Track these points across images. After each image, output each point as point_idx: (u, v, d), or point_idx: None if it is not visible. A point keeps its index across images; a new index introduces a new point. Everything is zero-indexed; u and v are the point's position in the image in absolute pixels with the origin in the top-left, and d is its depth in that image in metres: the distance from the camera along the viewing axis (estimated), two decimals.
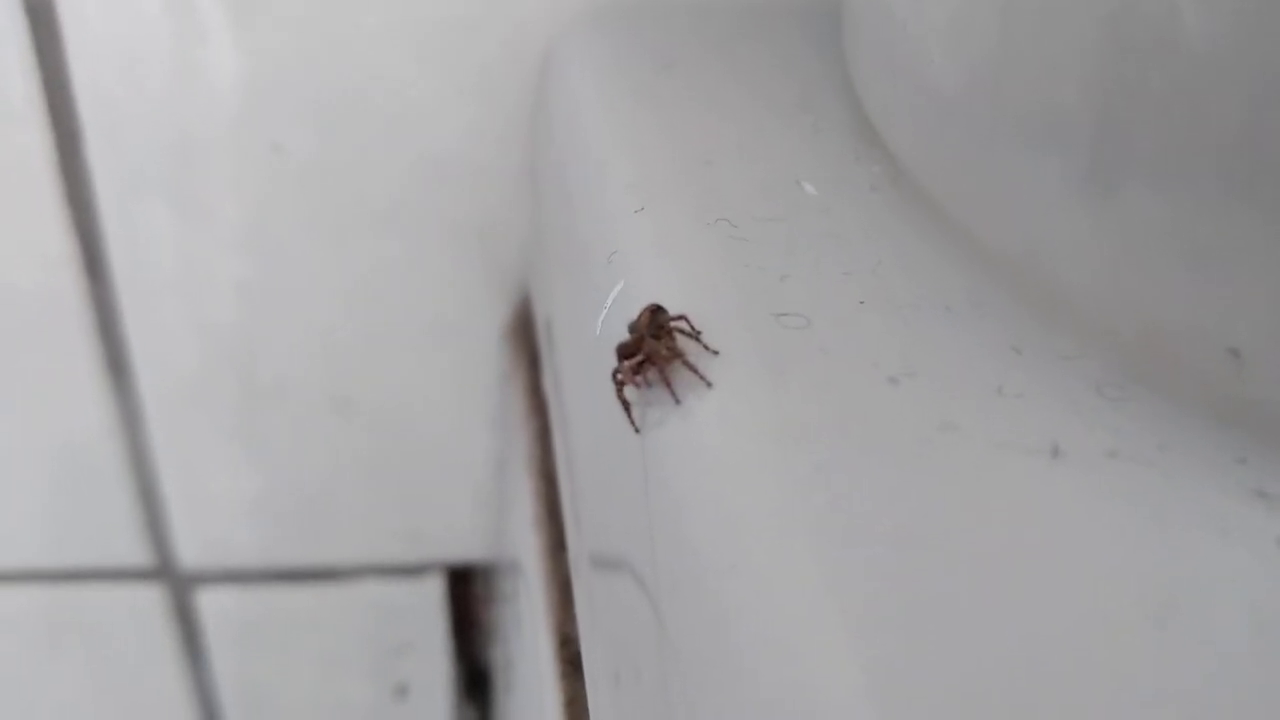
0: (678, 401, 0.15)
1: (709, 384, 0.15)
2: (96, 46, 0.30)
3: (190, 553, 0.39)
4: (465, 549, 0.40)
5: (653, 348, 0.16)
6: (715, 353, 0.16)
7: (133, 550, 0.39)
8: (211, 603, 0.40)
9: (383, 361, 0.35)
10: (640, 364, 0.16)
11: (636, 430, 0.16)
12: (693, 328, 0.16)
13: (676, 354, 0.16)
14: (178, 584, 0.40)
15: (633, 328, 0.16)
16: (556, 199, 0.25)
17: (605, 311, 0.18)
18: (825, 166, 0.21)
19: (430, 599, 0.41)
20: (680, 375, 0.16)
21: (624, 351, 0.16)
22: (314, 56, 0.30)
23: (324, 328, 0.34)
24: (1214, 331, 0.13)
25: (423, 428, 0.37)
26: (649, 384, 0.16)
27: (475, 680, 0.44)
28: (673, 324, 0.16)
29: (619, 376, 0.16)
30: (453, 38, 0.30)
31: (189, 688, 0.42)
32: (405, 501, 0.38)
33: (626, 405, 0.16)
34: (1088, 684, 0.11)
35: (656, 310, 0.16)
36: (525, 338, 0.32)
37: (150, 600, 0.40)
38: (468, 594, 0.42)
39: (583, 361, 0.20)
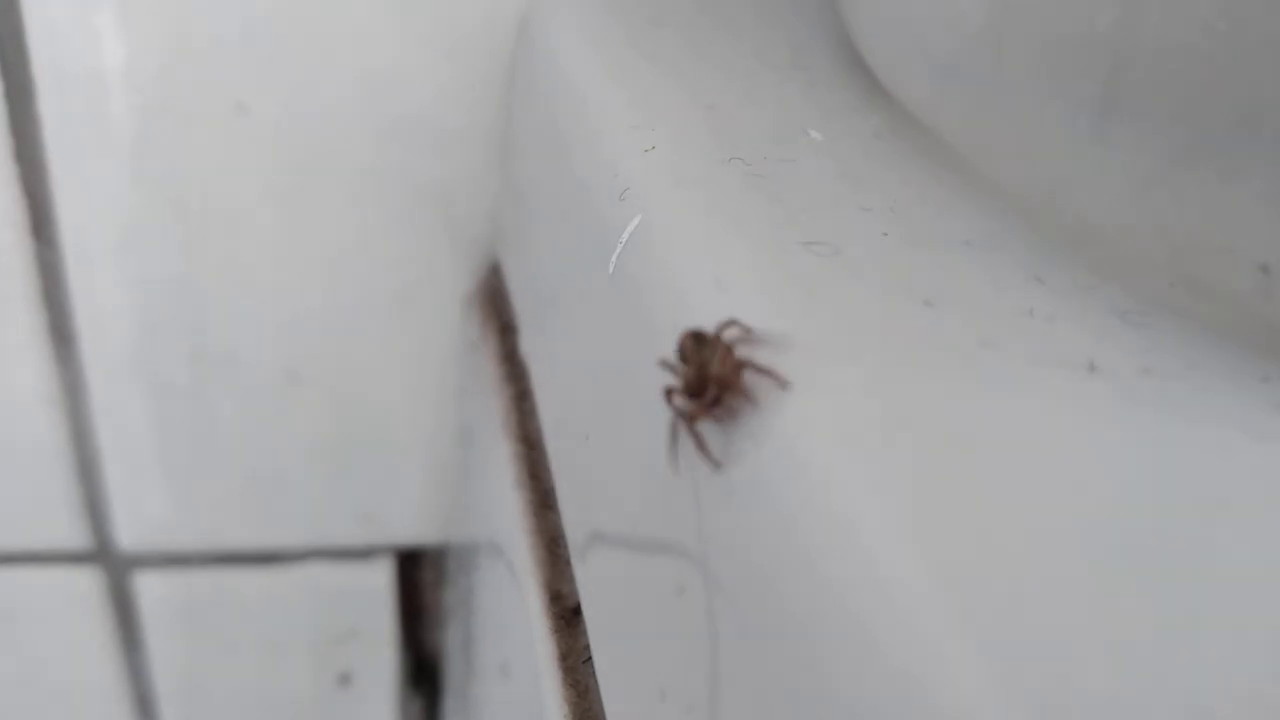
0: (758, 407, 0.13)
1: (786, 384, 0.13)
2: None
3: (129, 535, 0.38)
4: (417, 531, 0.39)
5: (720, 372, 0.14)
6: (786, 383, 0.13)
7: (70, 533, 0.37)
8: (149, 587, 0.39)
9: (340, 332, 0.34)
10: (717, 397, 0.14)
11: (716, 464, 0.14)
12: (745, 330, 0.14)
13: (741, 364, 0.14)
14: (115, 567, 0.38)
15: (682, 359, 0.14)
16: (542, 154, 0.25)
17: (620, 247, 0.18)
18: (827, 116, 0.21)
19: (378, 584, 0.40)
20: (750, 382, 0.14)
21: (692, 389, 0.14)
22: (282, 14, 0.30)
23: (280, 296, 0.34)
24: (1245, 248, 0.14)
25: (379, 403, 0.36)
26: (731, 413, 0.14)
27: (421, 669, 0.43)
28: (723, 335, 0.14)
29: (689, 414, 0.14)
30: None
31: (122, 675, 0.41)
32: (358, 481, 0.37)
33: (699, 440, 0.14)
34: (1120, 562, 0.11)
35: (697, 335, 0.14)
36: (494, 306, 0.32)
37: (86, 584, 0.38)
38: (416, 579, 0.41)
39: (591, 310, 0.20)
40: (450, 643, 0.40)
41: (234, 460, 0.36)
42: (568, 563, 0.22)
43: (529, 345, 0.27)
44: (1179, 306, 0.15)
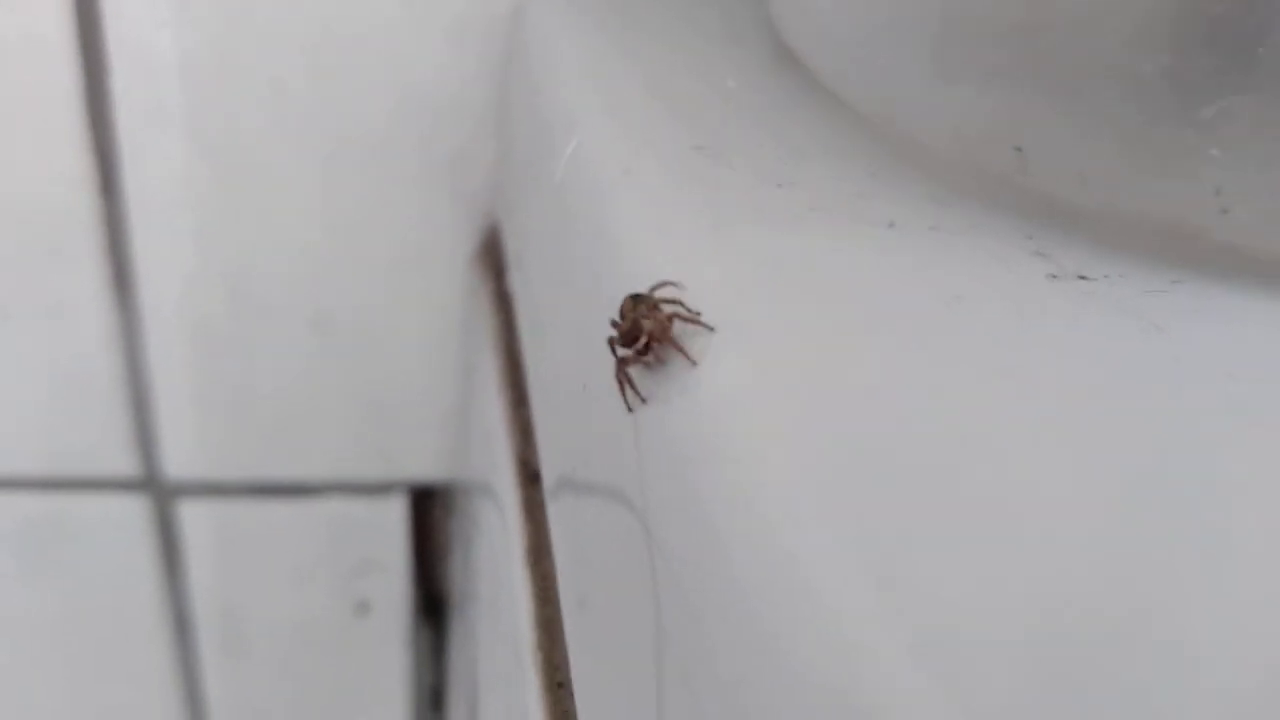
0: (694, 362, 0.16)
1: (710, 328, 0.16)
2: None
3: (175, 465, 0.43)
4: (429, 469, 0.44)
5: (650, 325, 0.16)
6: (711, 329, 0.16)
7: (122, 461, 0.42)
8: (192, 514, 0.44)
9: (360, 285, 0.39)
10: (646, 345, 0.16)
11: (628, 407, 0.17)
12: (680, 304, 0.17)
13: (670, 316, 0.16)
14: (162, 494, 0.43)
15: (622, 316, 0.17)
16: (525, 118, 0.30)
17: (564, 160, 0.23)
18: (746, 72, 0.26)
19: (394, 518, 0.45)
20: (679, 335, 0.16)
21: (626, 340, 0.17)
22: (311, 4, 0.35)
23: (306, 251, 0.39)
24: (1005, 135, 0.19)
25: (396, 351, 0.41)
26: (661, 360, 0.16)
27: (432, 601, 0.48)
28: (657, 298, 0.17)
29: (623, 360, 0.17)
30: None
31: (164, 598, 0.46)
32: (376, 421, 0.42)
33: (623, 384, 0.17)
34: (896, 349, 0.16)
35: (635, 296, 0.17)
36: (493, 257, 0.37)
37: (134, 511, 0.44)
38: (429, 515, 0.46)
39: (544, 222, 0.25)
40: (454, 575, 0.45)
41: (266, 398, 0.42)
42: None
43: (514, 281, 0.32)
44: (973, 190, 0.20)
